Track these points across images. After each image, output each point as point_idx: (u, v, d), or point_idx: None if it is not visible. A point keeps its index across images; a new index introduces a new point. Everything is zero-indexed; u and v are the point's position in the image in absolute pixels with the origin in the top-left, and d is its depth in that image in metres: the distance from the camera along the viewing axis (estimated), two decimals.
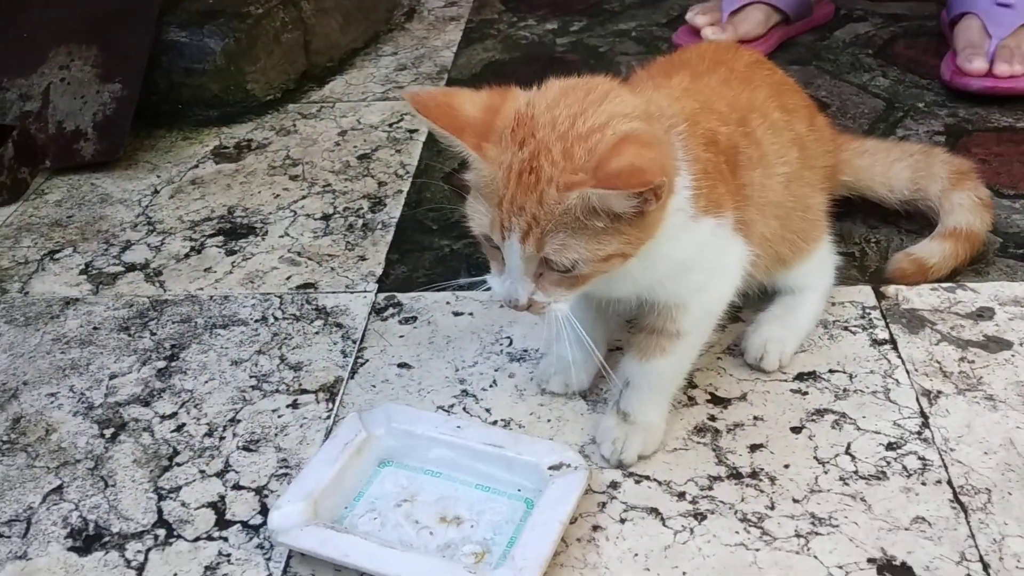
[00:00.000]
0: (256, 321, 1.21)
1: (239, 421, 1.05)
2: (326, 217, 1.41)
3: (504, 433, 0.97)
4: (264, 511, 0.94)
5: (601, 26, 1.97)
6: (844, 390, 1.03)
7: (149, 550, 0.91)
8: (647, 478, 0.94)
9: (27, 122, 1.57)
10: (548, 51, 1.87)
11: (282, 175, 1.53)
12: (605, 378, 1.02)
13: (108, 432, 1.05)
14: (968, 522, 0.88)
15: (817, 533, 0.88)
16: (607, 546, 0.88)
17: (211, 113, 1.70)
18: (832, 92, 1.65)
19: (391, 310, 1.21)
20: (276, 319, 1.21)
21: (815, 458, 0.95)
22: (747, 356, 1.06)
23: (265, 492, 0.97)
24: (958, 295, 1.15)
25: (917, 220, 1.27)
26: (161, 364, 1.15)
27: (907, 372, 1.05)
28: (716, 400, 1.03)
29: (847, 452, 0.96)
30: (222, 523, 0.93)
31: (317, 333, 1.18)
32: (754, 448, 0.97)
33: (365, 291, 1.25)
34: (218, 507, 0.95)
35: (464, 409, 1.04)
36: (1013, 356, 1.06)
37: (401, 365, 1.11)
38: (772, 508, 0.90)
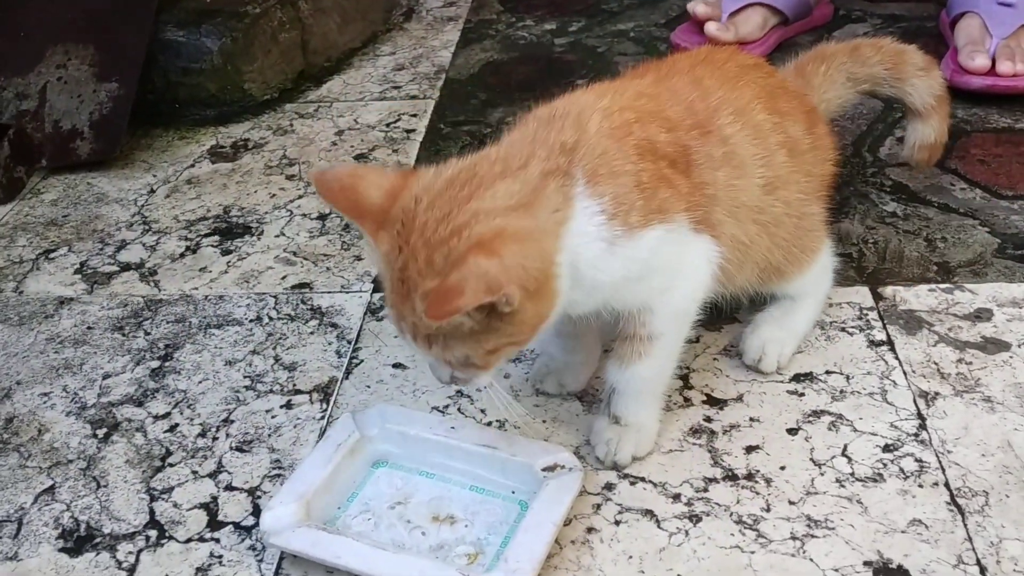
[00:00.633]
0: (251, 321, 1.20)
1: (232, 421, 1.05)
2: (322, 217, 1.41)
3: (498, 434, 0.97)
4: (257, 512, 0.93)
5: (599, 26, 1.96)
6: (841, 391, 1.02)
7: (140, 551, 0.91)
8: (642, 480, 0.94)
9: (23, 121, 1.57)
10: (546, 51, 1.87)
11: (278, 175, 1.53)
12: (600, 379, 1.02)
13: (101, 432, 1.05)
14: (965, 525, 0.87)
15: (813, 536, 0.87)
16: (601, 548, 0.87)
17: (208, 112, 1.70)
18: None
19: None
20: (271, 319, 1.20)
21: (811, 460, 0.95)
22: (745, 357, 1.06)
23: (258, 493, 0.96)
24: (956, 296, 1.14)
25: (915, 221, 1.27)
26: (155, 364, 1.14)
27: (904, 373, 1.04)
28: (712, 401, 1.02)
29: (843, 454, 0.95)
30: (214, 524, 0.93)
31: (312, 333, 1.17)
32: (750, 450, 0.96)
33: (360, 291, 1.24)
34: (210, 508, 0.95)
35: (459, 410, 1.04)
36: (1011, 358, 1.05)
37: (396, 365, 1.11)
38: (768, 510, 0.90)
